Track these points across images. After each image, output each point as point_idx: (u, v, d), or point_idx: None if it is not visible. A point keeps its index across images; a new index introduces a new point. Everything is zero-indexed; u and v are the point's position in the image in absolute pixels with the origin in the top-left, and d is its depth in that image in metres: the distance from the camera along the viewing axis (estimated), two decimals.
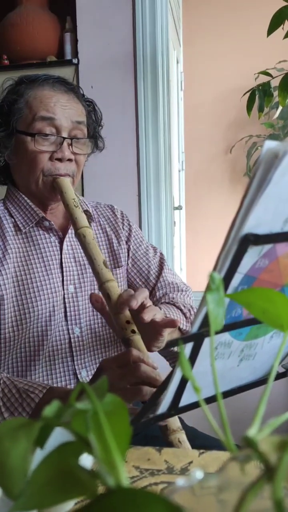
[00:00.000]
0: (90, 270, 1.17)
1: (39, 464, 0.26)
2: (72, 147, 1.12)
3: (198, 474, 0.27)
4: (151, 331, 0.92)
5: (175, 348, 1.09)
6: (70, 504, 0.51)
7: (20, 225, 1.13)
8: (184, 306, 1.21)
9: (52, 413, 0.26)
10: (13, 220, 1.15)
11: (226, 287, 0.48)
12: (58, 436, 0.30)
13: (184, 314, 1.19)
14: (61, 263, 1.15)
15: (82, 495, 0.25)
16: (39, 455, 0.27)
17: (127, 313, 0.90)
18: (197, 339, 0.51)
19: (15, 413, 0.91)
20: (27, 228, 1.13)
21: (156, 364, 0.85)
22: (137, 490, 0.21)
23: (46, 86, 1.13)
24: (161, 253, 1.32)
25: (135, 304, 0.87)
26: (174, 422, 0.82)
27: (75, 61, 2.14)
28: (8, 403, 0.92)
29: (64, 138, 1.11)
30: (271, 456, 0.24)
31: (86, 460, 0.48)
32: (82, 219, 1.04)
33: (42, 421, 0.26)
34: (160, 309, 1.13)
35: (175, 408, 0.57)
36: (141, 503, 0.20)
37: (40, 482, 0.25)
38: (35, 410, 0.90)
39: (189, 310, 1.21)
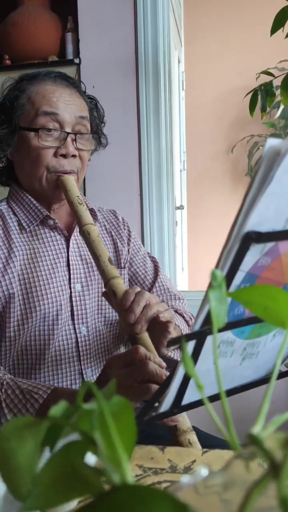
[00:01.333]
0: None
1: (45, 464, 0.26)
2: (76, 142, 1.11)
3: (203, 472, 0.27)
4: (158, 328, 0.91)
5: (171, 355, 1.08)
6: (74, 502, 0.51)
7: (24, 224, 1.12)
8: (186, 314, 1.20)
9: (59, 413, 0.26)
10: (17, 219, 1.13)
11: (228, 285, 0.48)
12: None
13: (186, 322, 1.19)
14: (67, 261, 1.14)
15: (88, 493, 0.25)
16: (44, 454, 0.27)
17: None
18: (200, 337, 0.51)
19: (18, 414, 0.90)
20: (31, 227, 1.12)
21: (163, 363, 0.83)
22: (143, 487, 0.21)
23: (48, 81, 1.12)
24: (156, 262, 1.32)
25: (133, 318, 0.86)
26: (184, 422, 0.80)
27: (76, 61, 2.14)
28: (12, 405, 0.91)
29: (68, 133, 1.10)
30: (276, 453, 0.24)
31: (90, 460, 0.48)
32: (87, 216, 1.04)
33: (49, 420, 0.26)
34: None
35: (177, 406, 0.56)
36: (147, 500, 0.20)
37: (46, 482, 0.25)
38: (39, 411, 0.89)
39: (191, 319, 1.20)
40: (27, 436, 0.26)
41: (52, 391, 0.91)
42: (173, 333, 0.94)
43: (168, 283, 1.29)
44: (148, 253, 1.34)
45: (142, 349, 0.83)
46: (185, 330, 1.15)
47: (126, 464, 0.24)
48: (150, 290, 1.25)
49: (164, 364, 0.83)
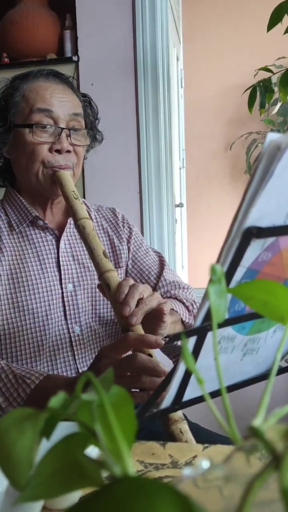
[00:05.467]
0: (90, 268, 1.17)
1: (45, 455, 0.26)
2: (70, 138, 1.13)
3: (205, 464, 0.27)
4: (153, 318, 0.91)
5: (178, 343, 1.09)
6: (76, 497, 0.51)
7: (14, 225, 1.15)
8: (187, 300, 1.21)
9: (58, 404, 0.26)
10: (8, 219, 1.16)
11: (229, 281, 0.48)
12: (64, 427, 0.30)
13: (186, 307, 1.19)
14: (58, 261, 1.15)
15: (88, 486, 0.25)
16: (44, 446, 0.27)
17: None
18: (200, 333, 0.51)
19: (10, 398, 0.91)
20: (21, 227, 1.14)
21: (157, 359, 0.84)
22: (144, 479, 0.21)
23: (41, 78, 1.15)
24: (161, 255, 1.32)
25: (127, 311, 0.87)
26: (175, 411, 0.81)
27: (75, 58, 2.14)
28: (4, 388, 0.92)
29: (62, 129, 1.11)
30: (277, 445, 0.24)
31: (91, 453, 0.48)
32: (82, 211, 1.05)
33: (47, 412, 0.26)
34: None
35: (178, 403, 0.56)
36: (149, 492, 0.20)
37: (46, 473, 0.25)
38: (30, 396, 0.89)
39: (192, 304, 1.20)
40: (26, 428, 0.26)
41: (45, 377, 0.91)
42: (168, 322, 0.94)
43: (172, 276, 1.29)
44: (152, 248, 1.34)
45: (131, 335, 0.83)
46: (184, 315, 1.16)
47: (127, 456, 0.24)
48: (155, 284, 1.25)
49: (160, 361, 0.83)
